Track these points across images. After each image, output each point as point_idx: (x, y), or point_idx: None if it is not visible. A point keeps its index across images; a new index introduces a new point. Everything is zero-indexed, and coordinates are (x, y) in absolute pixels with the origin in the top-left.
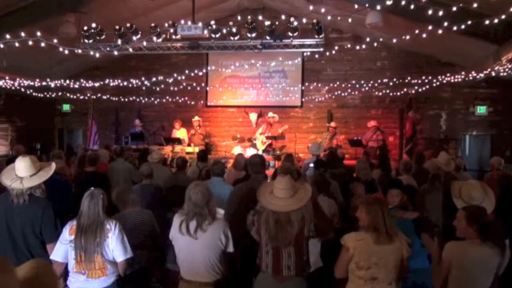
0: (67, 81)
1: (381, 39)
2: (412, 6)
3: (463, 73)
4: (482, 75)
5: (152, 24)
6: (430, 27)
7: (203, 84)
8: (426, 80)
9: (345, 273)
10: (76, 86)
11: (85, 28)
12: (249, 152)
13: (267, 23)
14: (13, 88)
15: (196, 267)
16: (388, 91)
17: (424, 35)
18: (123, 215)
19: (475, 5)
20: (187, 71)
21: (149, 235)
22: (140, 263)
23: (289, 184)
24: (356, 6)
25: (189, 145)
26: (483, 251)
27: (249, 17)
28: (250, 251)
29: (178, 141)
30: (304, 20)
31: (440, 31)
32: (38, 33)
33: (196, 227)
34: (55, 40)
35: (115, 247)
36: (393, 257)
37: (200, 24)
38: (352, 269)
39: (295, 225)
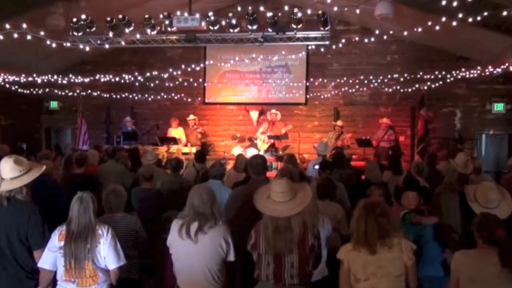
0: (55, 77)
1: (391, 32)
2: None
3: (479, 68)
4: (499, 70)
5: (146, 16)
6: (443, 19)
7: (200, 80)
8: (440, 76)
9: None
10: (65, 82)
11: (74, 19)
12: (250, 153)
13: (269, 14)
14: None
15: (194, 275)
16: (398, 87)
17: (437, 28)
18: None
19: None
20: (183, 66)
21: (131, 244)
22: (132, 272)
23: (287, 187)
24: None
25: (186, 145)
26: (494, 261)
27: (250, 7)
28: (250, 259)
29: (174, 140)
30: (309, 11)
31: (454, 23)
32: (24, 25)
33: (197, 229)
34: (42, 33)
35: (107, 254)
36: (394, 266)
37: (197, 15)
38: (353, 283)
39: (296, 231)
